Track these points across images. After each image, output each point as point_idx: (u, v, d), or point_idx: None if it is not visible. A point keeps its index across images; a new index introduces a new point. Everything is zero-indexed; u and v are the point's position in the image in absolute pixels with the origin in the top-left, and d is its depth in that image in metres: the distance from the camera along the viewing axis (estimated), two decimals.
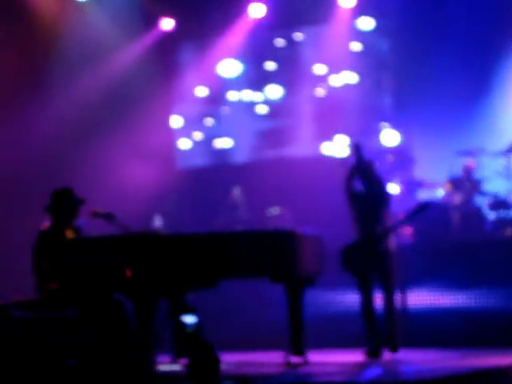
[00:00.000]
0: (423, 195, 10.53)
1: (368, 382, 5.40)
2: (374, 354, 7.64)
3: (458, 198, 10.03)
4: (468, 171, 10.39)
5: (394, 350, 7.71)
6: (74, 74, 11.74)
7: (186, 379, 2.89)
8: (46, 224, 7.32)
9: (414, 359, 7.64)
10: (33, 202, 9.42)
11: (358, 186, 7.80)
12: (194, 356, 2.84)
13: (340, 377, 6.52)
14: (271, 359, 7.54)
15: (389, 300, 7.74)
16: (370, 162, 7.83)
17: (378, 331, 7.71)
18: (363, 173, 7.79)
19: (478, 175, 10.60)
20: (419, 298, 9.12)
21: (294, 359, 7.18)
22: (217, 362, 2.87)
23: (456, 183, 10.31)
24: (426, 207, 7.74)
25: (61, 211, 7.25)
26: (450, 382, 5.89)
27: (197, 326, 2.73)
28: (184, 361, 7.31)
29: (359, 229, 7.84)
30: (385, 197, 7.80)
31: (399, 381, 5.54)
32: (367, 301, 7.77)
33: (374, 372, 6.91)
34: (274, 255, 7.20)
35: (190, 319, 2.71)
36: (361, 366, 7.14)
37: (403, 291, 9.28)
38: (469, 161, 10.54)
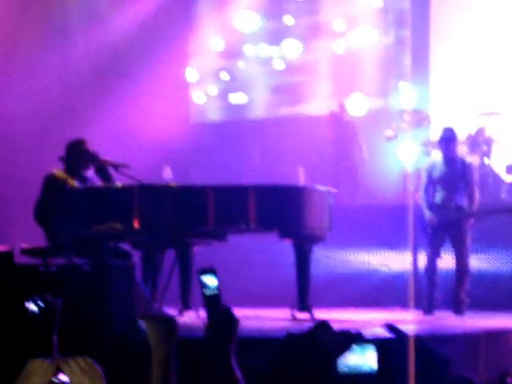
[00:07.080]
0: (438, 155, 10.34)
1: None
2: (428, 311, 7.84)
3: (474, 160, 9.87)
4: (480, 134, 10.22)
5: (460, 312, 7.84)
6: (90, 25, 11.66)
7: (204, 339, 2.82)
8: (55, 171, 7.30)
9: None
10: (46, 152, 9.37)
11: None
12: (213, 317, 2.77)
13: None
14: (277, 315, 7.51)
15: (461, 263, 7.93)
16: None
17: (434, 290, 7.92)
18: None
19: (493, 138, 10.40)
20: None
21: (300, 315, 7.14)
22: (236, 323, 2.79)
23: (471, 145, 10.14)
24: None
25: (72, 161, 7.24)
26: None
27: (217, 287, 2.66)
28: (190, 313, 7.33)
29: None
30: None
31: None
32: (433, 258, 7.96)
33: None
34: (282, 210, 7.13)
35: (210, 280, 2.62)
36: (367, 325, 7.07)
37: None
38: (483, 123, 10.36)
